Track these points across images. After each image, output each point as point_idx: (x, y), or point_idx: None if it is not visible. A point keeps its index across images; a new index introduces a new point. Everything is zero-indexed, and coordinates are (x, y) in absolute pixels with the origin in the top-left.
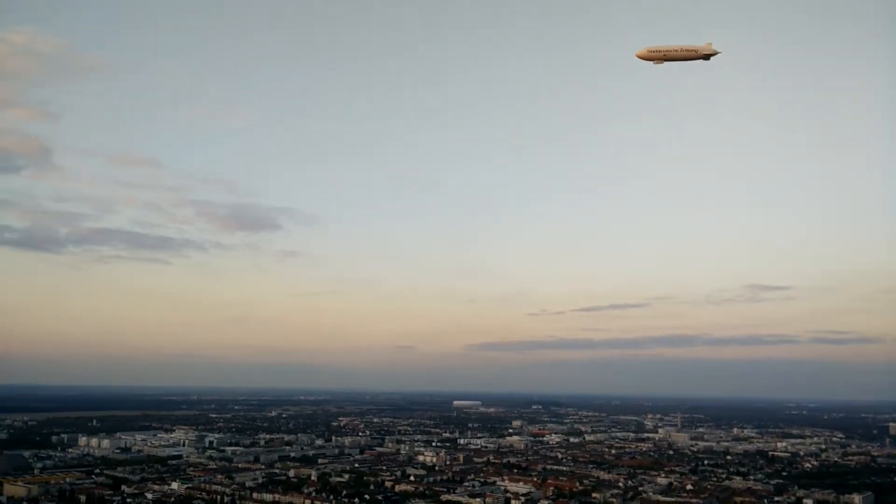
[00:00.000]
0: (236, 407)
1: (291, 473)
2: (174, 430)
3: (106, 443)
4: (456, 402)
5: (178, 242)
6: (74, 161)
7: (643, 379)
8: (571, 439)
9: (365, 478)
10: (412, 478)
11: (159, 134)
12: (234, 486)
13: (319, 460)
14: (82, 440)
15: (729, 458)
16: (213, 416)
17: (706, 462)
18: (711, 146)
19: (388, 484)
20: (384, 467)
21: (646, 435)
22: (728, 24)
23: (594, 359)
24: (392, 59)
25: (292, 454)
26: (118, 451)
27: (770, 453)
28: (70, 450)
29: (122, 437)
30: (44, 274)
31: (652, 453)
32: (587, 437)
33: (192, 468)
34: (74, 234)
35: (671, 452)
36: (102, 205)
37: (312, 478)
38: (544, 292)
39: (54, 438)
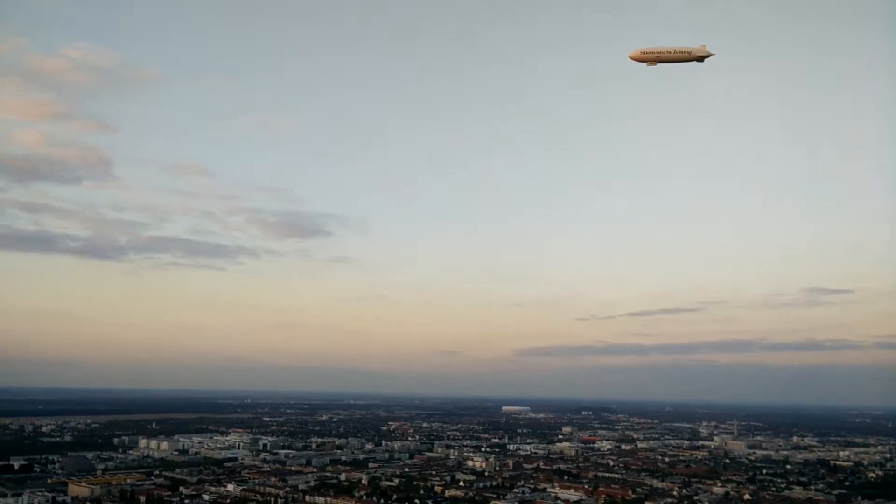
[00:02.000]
0: (288, 410)
1: (343, 477)
2: (229, 433)
3: (165, 445)
4: (505, 408)
5: (231, 249)
6: (132, 171)
7: (697, 385)
8: (623, 446)
9: (415, 482)
10: (462, 483)
11: (211, 143)
12: (287, 488)
13: (370, 464)
14: (142, 442)
15: (788, 467)
16: (267, 419)
17: (764, 471)
18: (754, 147)
19: (437, 489)
20: (434, 472)
21: (700, 443)
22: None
23: (645, 364)
24: (431, 65)
25: (343, 458)
26: (176, 452)
27: (832, 463)
28: (131, 451)
29: (180, 439)
30: (105, 281)
31: (707, 462)
32: (639, 445)
33: (246, 470)
34: (134, 243)
35: (727, 461)
36: (159, 213)
37: (363, 482)
38: (593, 296)
39: (116, 440)
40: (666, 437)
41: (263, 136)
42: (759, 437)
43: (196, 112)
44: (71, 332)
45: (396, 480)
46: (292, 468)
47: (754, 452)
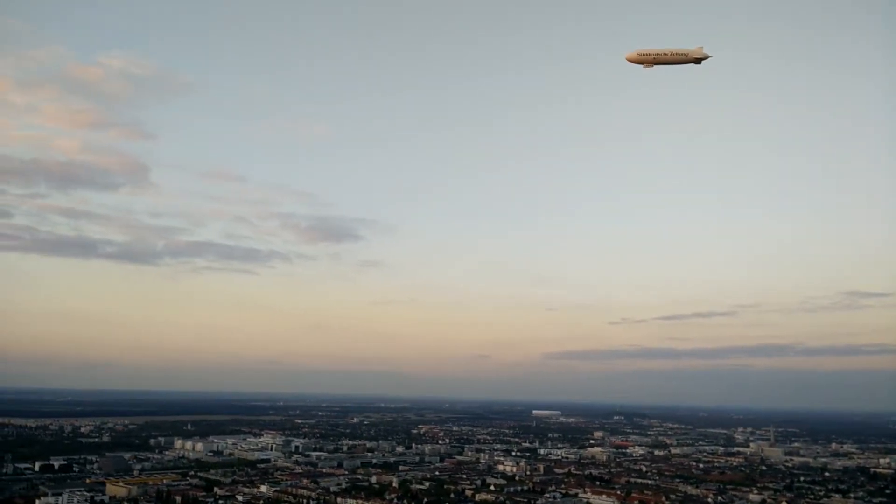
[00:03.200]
0: (320, 413)
1: (374, 479)
2: (262, 435)
3: (199, 446)
4: (535, 412)
5: (264, 253)
6: (168, 177)
7: (731, 390)
8: (656, 452)
9: (445, 486)
10: (492, 487)
11: (244, 149)
12: (319, 490)
13: (400, 467)
14: (178, 443)
15: (827, 474)
16: (299, 421)
17: (802, 479)
18: (776, 147)
19: (468, 493)
20: (464, 476)
21: (736, 449)
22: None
23: (678, 369)
24: (455, 69)
25: (374, 461)
26: (211, 453)
27: (872, 470)
28: (166, 452)
29: (214, 440)
30: (143, 285)
31: (743, 468)
32: (673, 450)
33: (279, 472)
34: (170, 247)
35: (764, 468)
36: (195, 218)
37: (394, 484)
38: (624, 300)
39: (152, 441)
40: (700, 442)
41: (295, 141)
42: (796, 444)
43: (229, 118)
44: (109, 334)
45: (427, 484)
46: (324, 470)
47: (791, 459)
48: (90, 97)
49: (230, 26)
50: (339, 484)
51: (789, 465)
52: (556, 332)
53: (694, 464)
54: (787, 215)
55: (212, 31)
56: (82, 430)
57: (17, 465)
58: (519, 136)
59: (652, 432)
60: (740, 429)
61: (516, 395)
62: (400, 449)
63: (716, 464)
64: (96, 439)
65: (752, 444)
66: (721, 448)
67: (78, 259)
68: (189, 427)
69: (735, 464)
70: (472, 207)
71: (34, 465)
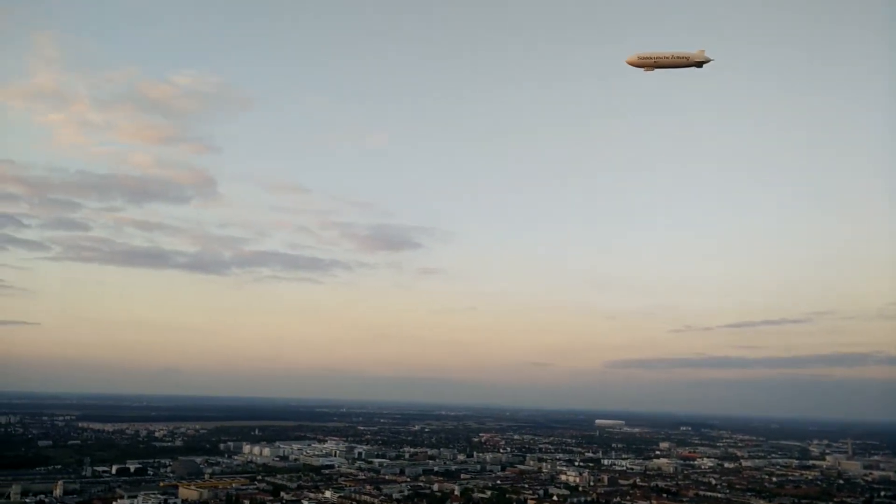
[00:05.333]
0: (382, 420)
1: (435, 487)
2: (326, 441)
3: (266, 451)
4: (598, 421)
5: (326, 263)
6: (235, 189)
7: (806, 401)
8: (726, 464)
9: (507, 495)
10: (555, 497)
11: (306, 160)
12: (382, 497)
13: (462, 475)
14: (246, 448)
15: None
16: (361, 428)
17: (882, 493)
18: (845, 151)
19: (530, 502)
20: (526, 485)
21: (811, 462)
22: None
23: (749, 378)
24: (520, 77)
25: (435, 468)
26: (277, 459)
27: None
28: (235, 457)
29: (281, 445)
30: (211, 294)
31: (819, 482)
32: (744, 463)
33: (343, 478)
34: (237, 257)
35: (841, 482)
36: (260, 229)
37: (455, 493)
38: (688, 307)
39: (222, 446)
40: (773, 455)
41: (354, 151)
42: (876, 457)
43: (291, 131)
44: (181, 342)
45: (489, 493)
46: (386, 477)
47: (871, 473)
48: (161, 114)
49: (290, 43)
50: (401, 491)
51: (868, 479)
52: (618, 340)
53: (766, 477)
54: (862, 217)
55: (273, 48)
56: (156, 434)
57: (95, 467)
58: (574, 143)
59: (721, 444)
60: (815, 441)
61: (577, 404)
62: (461, 457)
63: (790, 477)
64: (169, 443)
65: (828, 457)
66: (795, 461)
67: (151, 269)
68: (256, 432)
69: (810, 477)
70: (530, 214)
71: (111, 469)
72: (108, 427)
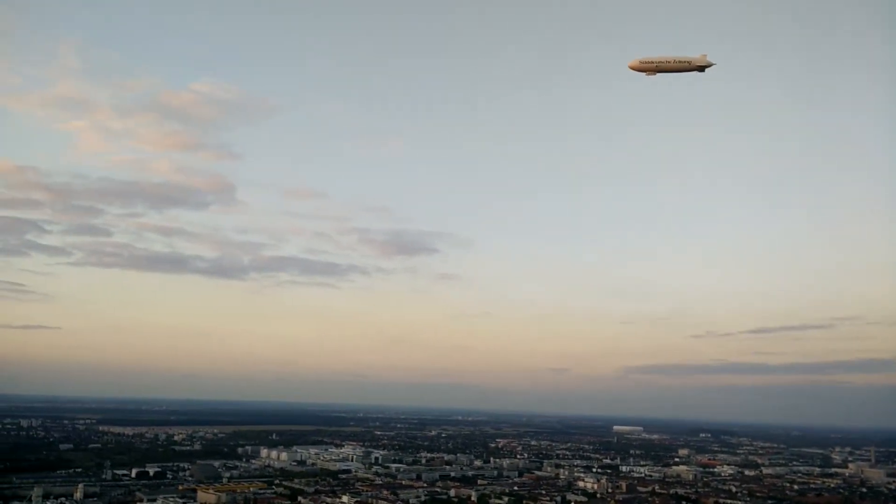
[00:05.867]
0: (398, 425)
1: (452, 493)
2: (343, 446)
3: (284, 455)
4: (616, 428)
5: (343, 268)
6: (254, 196)
7: (828, 408)
8: (746, 472)
9: (525, 501)
10: None
11: (324, 166)
12: (399, 502)
13: (479, 481)
14: (263, 452)
15: None
16: (378, 433)
17: None
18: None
19: None
20: (543, 492)
21: (833, 470)
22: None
23: (769, 385)
24: (535, 82)
25: (452, 474)
26: (294, 463)
27: None
28: (253, 461)
29: (298, 450)
30: (230, 299)
31: (841, 490)
32: (765, 470)
33: (360, 483)
34: (256, 262)
35: (864, 490)
36: (278, 234)
37: (472, 498)
38: (707, 312)
39: (240, 450)
40: (794, 462)
41: (371, 157)
42: None
43: (309, 138)
44: (200, 346)
45: (506, 498)
46: (403, 482)
47: (894, 481)
48: (182, 122)
49: (307, 51)
50: (418, 496)
51: (892, 487)
52: (635, 346)
53: (788, 485)
54: (884, 221)
55: (290, 56)
56: (175, 438)
57: (115, 471)
58: (591, 149)
59: (741, 451)
60: (838, 448)
61: (595, 410)
62: (478, 462)
63: (812, 485)
64: (188, 447)
65: (851, 465)
66: (817, 469)
67: (171, 274)
68: (274, 437)
69: (833, 485)
70: (546, 219)
71: (131, 472)
72: (128, 431)
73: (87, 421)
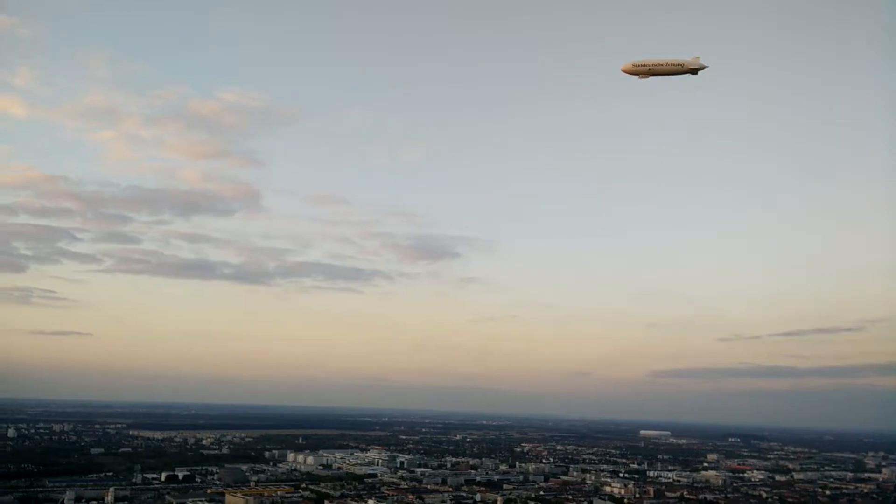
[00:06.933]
0: (423, 429)
1: (478, 497)
2: (369, 450)
3: (310, 459)
4: (643, 432)
5: (367, 273)
6: (278, 202)
7: (860, 412)
8: (777, 477)
9: None
10: None
11: (348, 172)
12: None
13: (504, 486)
14: (290, 456)
15: None
16: (403, 437)
17: None
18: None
19: None
20: (570, 497)
21: (867, 475)
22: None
23: (800, 388)
24: (559, 89)
25: (477, 478)
26: (321, 467)
27: None
28: (280, 465)
29: (324, 454)
30: (256, 304)
31: (875, 496)
32: (796, 476)
33: (385, 487)
34: (281, 268)
35: None
36: (303, 240)
37: (498, 503)
38: (736, 315)
39: (267, 454)
40: (826, 468)
41: (395, 163)
42: None
43: (333, 144)
44: (227, 351)
45: (532, 503)
46: (428, 486)
47: None
48: (208, 130)
49: (330, 59)
50: (443, 501)
51: None
52: (662, 349)
53: (820, 490)
54: None
55: (314, 64)
56: (204, 442)
57: (145, 475)
58: (613, 153)
59: (772, 456)
60: (871, 453)
61: (621, 414)
62: (503, 467)
63: (844, 490)
64: (216, 451)
65: (884, 470)
66: (850, 474)
67: (198, 280)
68: (301, 441)
69: (866, 491)
70: (570, 223)
71: (160, 476)
72: (158, 435)
73: (118, 425)
